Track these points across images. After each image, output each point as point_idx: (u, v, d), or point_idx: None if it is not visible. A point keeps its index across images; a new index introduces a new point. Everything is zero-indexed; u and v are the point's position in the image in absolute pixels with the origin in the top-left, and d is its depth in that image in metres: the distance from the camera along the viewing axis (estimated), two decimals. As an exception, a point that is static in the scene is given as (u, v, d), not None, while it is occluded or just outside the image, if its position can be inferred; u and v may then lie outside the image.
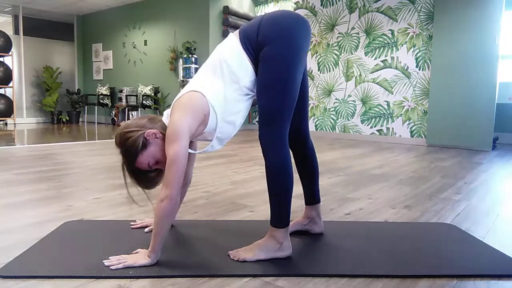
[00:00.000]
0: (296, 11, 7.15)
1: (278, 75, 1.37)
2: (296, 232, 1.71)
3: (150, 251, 1.35)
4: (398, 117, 5.73)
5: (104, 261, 1.35)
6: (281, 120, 1.39)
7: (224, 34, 7.01)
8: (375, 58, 5.90)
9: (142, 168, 1.43)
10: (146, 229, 1.70)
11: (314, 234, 1.70)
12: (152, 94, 7.66)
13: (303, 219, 1.72)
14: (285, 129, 1.41)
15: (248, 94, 1.46)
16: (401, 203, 2.30)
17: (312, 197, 1.71)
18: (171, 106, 1.42)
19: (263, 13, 1.41)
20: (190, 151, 1.44)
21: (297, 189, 2.61)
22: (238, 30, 1.48)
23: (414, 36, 5.52)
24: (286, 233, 1.44)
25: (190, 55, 6.96)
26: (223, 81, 1.41)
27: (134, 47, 8.39)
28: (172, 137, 1.31)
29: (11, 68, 7.98)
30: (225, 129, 1.45)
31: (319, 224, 1.71)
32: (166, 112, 1.46)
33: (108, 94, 8.60)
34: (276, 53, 1.36)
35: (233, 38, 1.45)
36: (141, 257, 1.36)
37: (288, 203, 1.44)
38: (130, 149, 1.39)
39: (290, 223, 1.69)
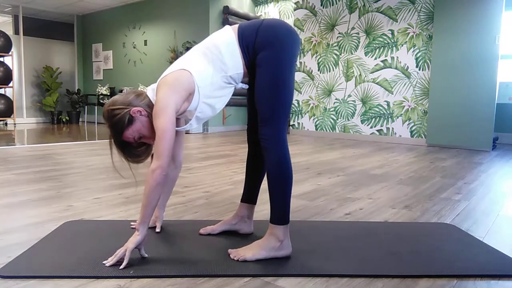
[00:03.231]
0: (296, 11, 7.14)
1: (276, 77, 1.44)
2: (292, 232, 1.71)
3: (139, 223, 1.37)
4: (398, 117, 5.73)
5: (104, 262, 1.35)
6: (281, 119, 1.46)
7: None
8: (375, 58, 5.90)
9: (128, 141, 1.51)
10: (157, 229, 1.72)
11: (245, 234, 1.69)
12: (152, 94, 7.66)
13: (232, 218, 1.70)
14: (285, 127, 1.48)
15: (231, 83, 1.53)
16: (401, 203, 2.30)
17: (251, 196, 1.70)
18: (158, 82, 1.47)
19: (262, 17, 1.49)
20: (176, 128, 1.50)
21: (297, 188, 2.61)
22: (237, 26, 1.54)
23: (414, 36, 5.52)
24: (287, 230, 1.46)
25: (190, 55, 6.95)
26: (213, 66, 1.48)
27: (134, 47, 8.39)
28: (160, 112, 1.38)
29: (11, 68, 7.98)
30: (205, 110, 1.52)
31: (249, 224, 1.70)
32: (151, 87, 1.52)
33: (108, 94, 8.60)
34: (273, 58, 1.45)
35: (231, 32, 1.51)
36: (132, 238, 1.38)
37: (289, 199, 1.46)
38: (116, 125, 1.47)
39: (218, 223, 1.72)
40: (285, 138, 1.47)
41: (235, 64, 1.49)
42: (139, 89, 8.18)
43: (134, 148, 1.52)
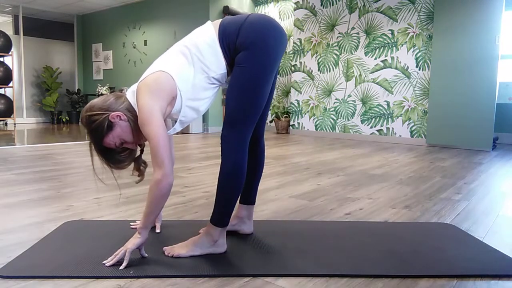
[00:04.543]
0: (296, 11, 7.11)
1: (250, 81, 1.38)
2: (292, 233, 1.71)
3: (141, 227, 1.36)
4: (398, 117, 5.72)
5: (104, 261, 1.35)
6: (246, 125, 1.40)
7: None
8: (375, 58, 5.90)
9: (109, 147, 1.45)
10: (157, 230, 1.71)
11: (245, 234, 1.68)
12: (152, 94, 7.65)
13: (232, 219, 1.68)
14: (248, 134, 1.42)
15: (215, 84, 1.47)
16: (401, 203, 2.30)
17: (248, 196, 1.69)
18: (137, 84, 1.41)
19: (247, 13, 1.42)
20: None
21: (297, 188, 2.61)
22: (219, 22, 1.46)
23: (414, 36, 5.52)
24: (223, 232, 1.47)
25: (190, 55, 6.95)
26: (194, 67, 1.41)
27: (134, 47, 8.39)
28: (147, 120, 1.32)
29: (11, 68, 7.97)
30: (189, 113, 1.47)
31: (248, 224, 1.69)
32: (131, 89, 1.47)
33: (108, 94, 8.60)
34: (252, 59, 1.38)
35: (211, 30, 1.43)
36: (132, 239, 1.37)
37: (233, 206, 1.45)
38: (95, 132, 1.41)
39: None
40: (245, 146, 1.41)
41: (217, 64, 1.42)
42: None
43: (118, 153, 1.46)
